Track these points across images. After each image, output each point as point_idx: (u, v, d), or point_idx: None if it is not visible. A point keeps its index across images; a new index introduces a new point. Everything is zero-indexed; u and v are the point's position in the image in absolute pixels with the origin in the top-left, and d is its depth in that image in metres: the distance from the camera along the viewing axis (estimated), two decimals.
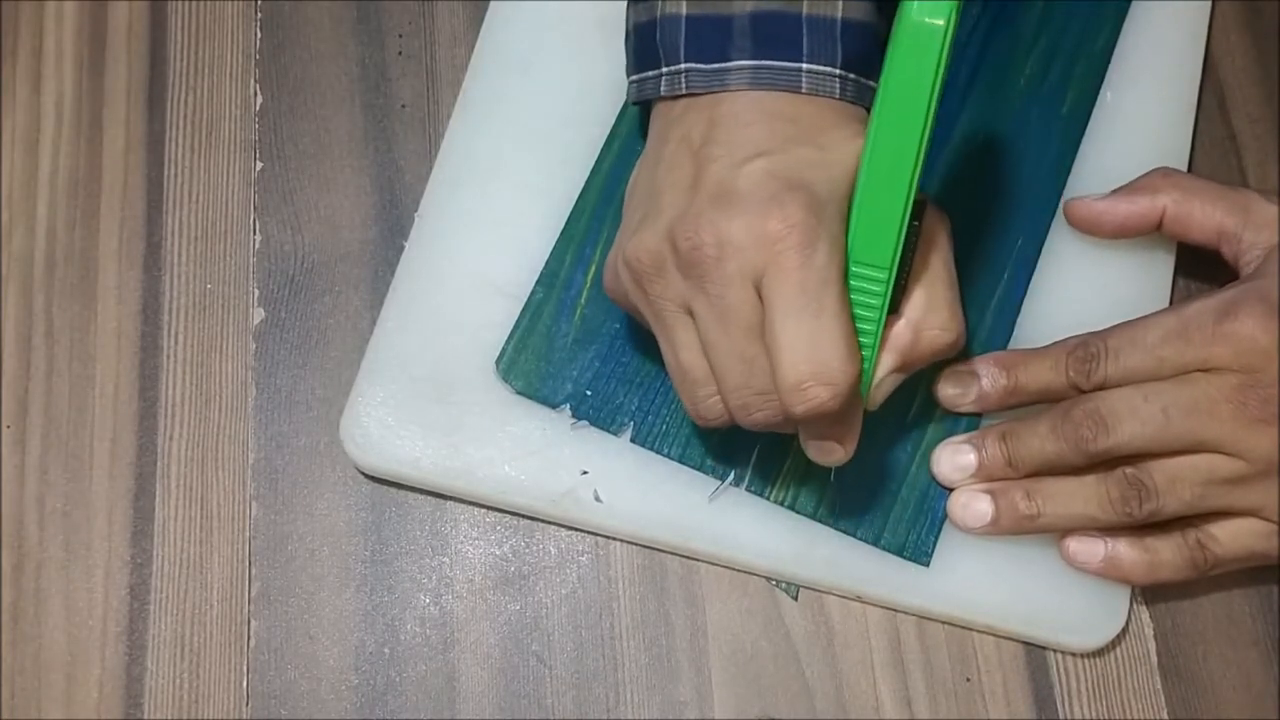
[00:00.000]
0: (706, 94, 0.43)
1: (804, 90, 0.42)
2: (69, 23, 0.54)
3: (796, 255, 0.39)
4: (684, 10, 0.44)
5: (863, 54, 0.43)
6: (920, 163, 0.40)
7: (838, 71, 0.43)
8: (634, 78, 0.46)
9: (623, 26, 0.47)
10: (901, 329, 0.43)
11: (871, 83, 0.44)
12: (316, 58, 0.54)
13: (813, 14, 0.43)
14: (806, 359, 0.39)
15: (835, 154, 0.41)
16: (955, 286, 0.44)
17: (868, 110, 0.43)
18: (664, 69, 0.44)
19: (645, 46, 0.45)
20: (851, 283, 0.41)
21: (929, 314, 0.43)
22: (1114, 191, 0.50)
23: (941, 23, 0.38)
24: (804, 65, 0.42)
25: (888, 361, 0.43)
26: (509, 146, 0.52)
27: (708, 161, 0.42)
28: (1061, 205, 0.51)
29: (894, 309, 0.43)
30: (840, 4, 0.43)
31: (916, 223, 0.42)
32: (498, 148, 0.51)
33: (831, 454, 0.44)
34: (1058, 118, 0.53)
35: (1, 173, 0.52)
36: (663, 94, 0.44)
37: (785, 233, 0.39)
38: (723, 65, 0.43)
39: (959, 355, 0.48)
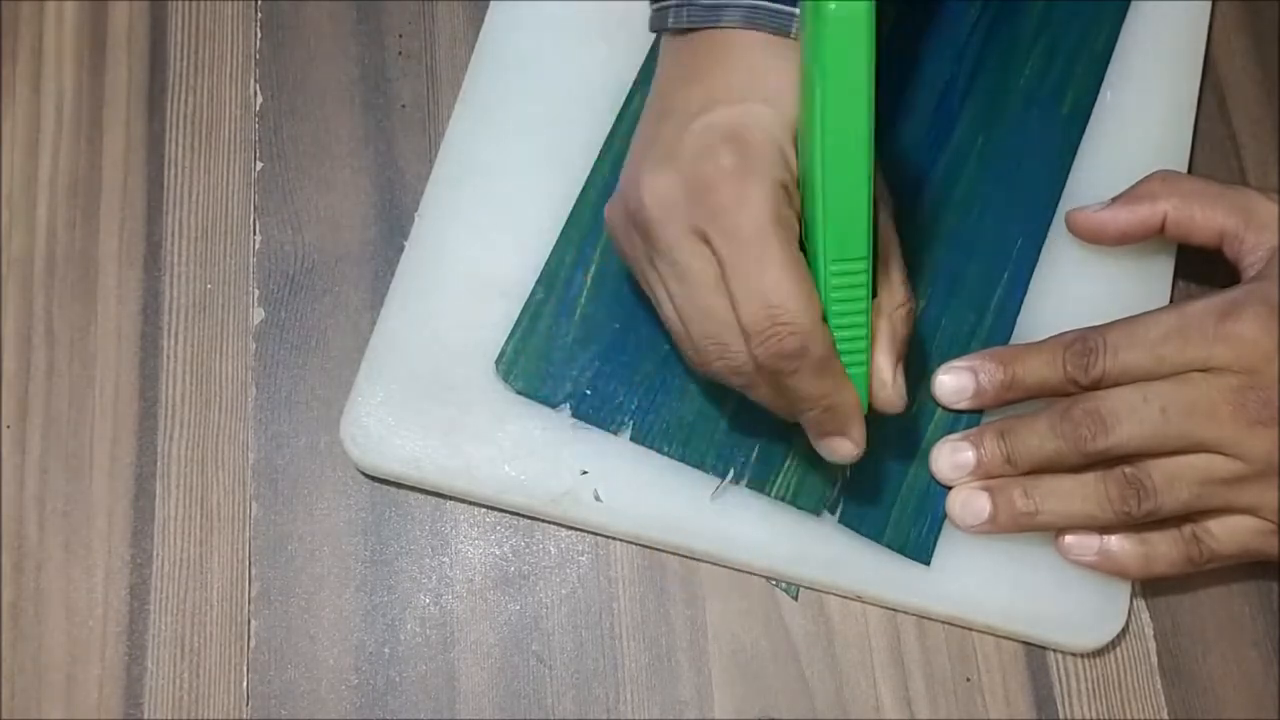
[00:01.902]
0: (705, 29, 0.43)
1: (792, 35, 0.42)
2: (69, 23, 0.54)
3: (729, 205, 0.40)
4: None
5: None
6: (872, 153, 0.39)
7: None
8: (653, 6, 0.46)
9: (623, 25, 0.47)
10: (880, 324, 0.43)
11: None
12: (316, 58, 0.54)
13: None
14: (761, 305, 0.40)
15: (783, 112, 0.41)
16: (896, 252, 0.44)
17: None
18: (673, 1, 0.44)
19: None
20: (833, 281, 0.41)
21: (887, 296, 0.43)
22: (1114, 200, 0.50)
23: (862, 8, 0.37)
24: (797, 10, 0.42)
25: (886, 359, 0.43)
26: (509, 146, 0.52)
27: (665, 117, 0.43)
28: (1063, 215, 0.51)
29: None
30: None
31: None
32: (498, 148, 0.51)
33: (840, 449, 0.43)
34: (1058, 118, 0.53)
35: (1, 173, 0.52)
36: (670, 25, 0.44)
37: (715, 184, 0.40)
38: (720, 1, 0.42)
39: (957, 353, 0.49)
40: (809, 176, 0.41)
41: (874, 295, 0.42)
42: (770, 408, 0.44)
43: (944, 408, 0.48)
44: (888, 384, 0.43)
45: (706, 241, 0.41)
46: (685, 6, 0.43)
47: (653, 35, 0.52)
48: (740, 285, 0.40)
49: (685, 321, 0.42)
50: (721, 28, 0.43)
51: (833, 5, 0.37)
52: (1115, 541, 0.46)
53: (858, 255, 0.41)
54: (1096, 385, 0.45)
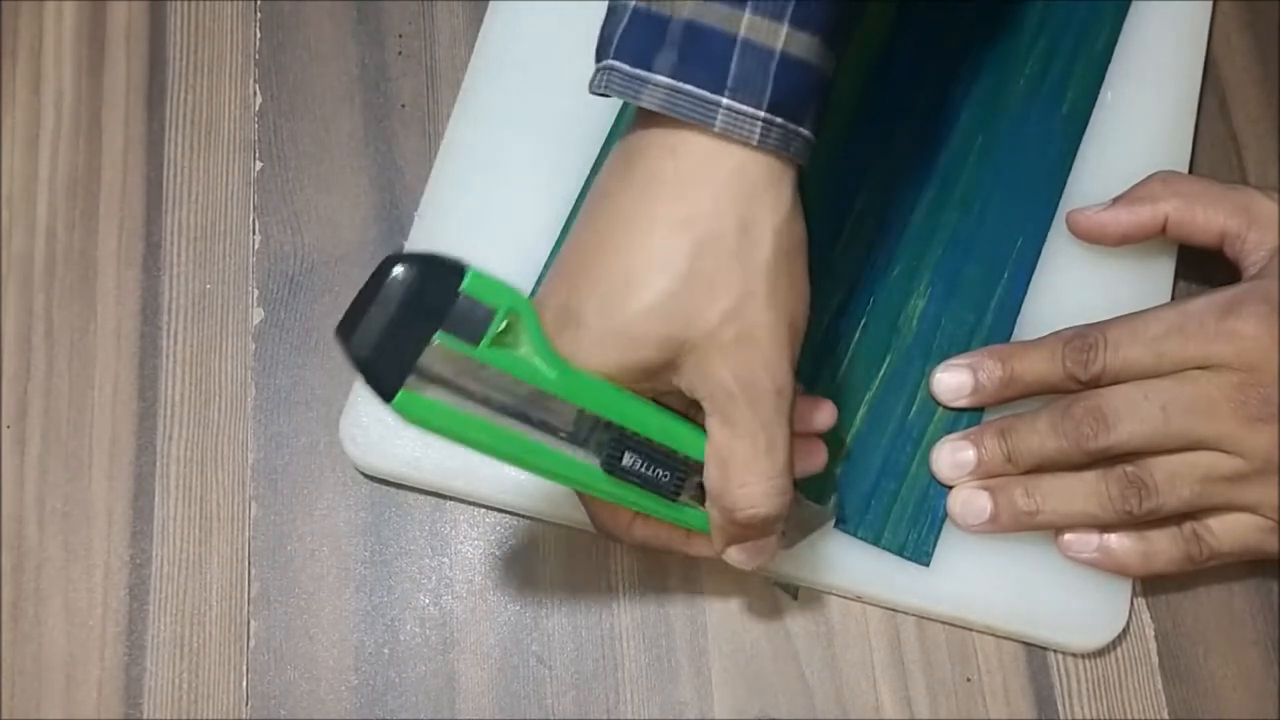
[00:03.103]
0: (640, 130, 0.40)
1: (716, 129, 0.37)
2: (68, 22, 0.54)
3: None
4: (633, 1, 0.39)
5: (798, 97, 0.38)
6: (547, 459, 0.39)
7: (762, 114, 0.37)
8: (597, 64, 0.41)
9: None
10: (710, 510, 0.41)
11: (803, 130, 0.39)
12: (316, 58, 0.54)
13: (750, 38, 0.37)
14: None
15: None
16: (759, 457, 0.39)
17: (791, 161, 0.39)
18: (601, 62, 0.40)
19: (601, 33, 0.40)
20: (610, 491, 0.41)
21: (726, 495, 0.40)
22: (1114, 200, 0.50)
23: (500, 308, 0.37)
24: (724, 100, 0.37)
25: (720, 539, 0.42)
26: (509, 147, 0.52)
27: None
28: (1063, 215, 0.51)
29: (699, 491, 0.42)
30: (784, 33, 0.37)
31: (629, 463, 0.40)
32: (498, 148, 0.51)
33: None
34: (1058, 117, 0.53)
35: (1, 173, 0.52)
36: (593, 89, 0.40)
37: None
38: (644, 74, 0.38)
39: (957, 352, 0.49)
40: None
41: (705, 493, 0.41)
42: None
43: (944, 406, 0.48)
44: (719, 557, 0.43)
45: None
46: (608, 70, 0.39)
47: None
48: None
49: None
50: (642, 105, 0.38)
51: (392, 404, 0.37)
52: (1115, 539, 0.46)
53: (601, 490, 0.41)
54: (1096, 381, 0.45)
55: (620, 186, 0.40)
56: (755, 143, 0.38)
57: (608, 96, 0.39)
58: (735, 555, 0.42)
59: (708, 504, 0.41)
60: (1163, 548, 0.46)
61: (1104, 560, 0.47)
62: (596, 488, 0.40)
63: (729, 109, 0.37)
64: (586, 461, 0.40)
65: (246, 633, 0.47)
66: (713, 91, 0.37)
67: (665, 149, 0.39)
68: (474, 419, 0.38)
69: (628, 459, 0.40)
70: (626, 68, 0.38)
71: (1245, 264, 0.47)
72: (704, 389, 0.39)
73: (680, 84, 0.37)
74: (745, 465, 0.39)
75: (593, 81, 0.40)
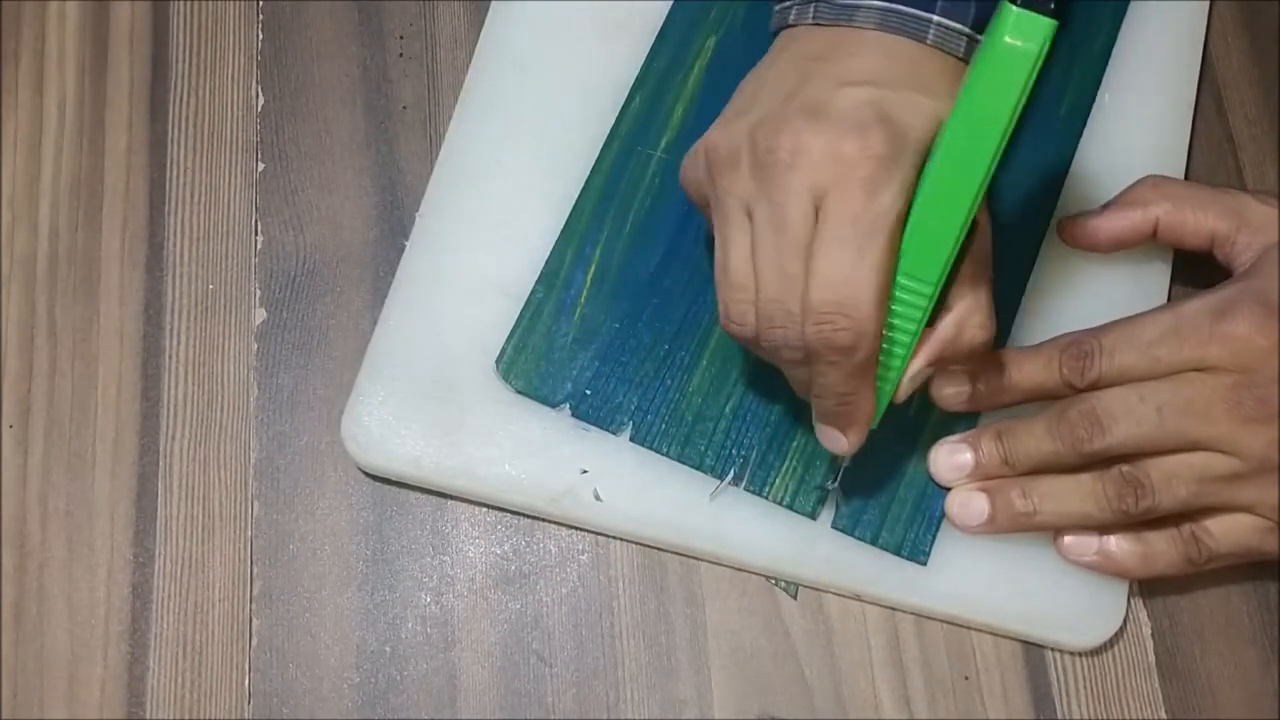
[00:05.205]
0: (831, 25, 0.44)
1: (929, 41, 0.43)
2: (71, 24, 0.54)
3: (861, 187, 0.39)
4: None
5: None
6: (984, 189, 0.39)
7: (966, 30, 0.43)
8: (778, 6, 0.46)
9: (622, 27, 0.46)
10: (947, 324, 0.43)
11: None
12: (318, 59, 0.54)
13: None
14: (837, 288, 0.40)
15: (943, 107, 0.41)
16: (991, 287, 0.44)
17: None
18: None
19: None
20: (896, 292, 0.41)
21: (973, 313, 0.43)
22: (1105, 206, 0.50)
23: (1034, 47, 0.37)
24: (934, 17, 0.43)
25: (929, 351, 0.43)
26: (509, 147, 0.52)
27: (814, 75, 0.42)
28: (1055, 224, 0.51)
29: (931, 319, 0.42)
30: None
31: (966, 239, 0.41)
32: (498, 148, 0.52)
33: (834, 443, 0.44)
34: (1055, 119, 0.53)
35: (4, 174, 0.52)
36: (791, 21, 0.45)
37: (859, 161, 0.40)
38: (853, 1, 0.43)
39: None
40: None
41: (950, 308, 0.43)
42: (790, 379, 0.44)
43: (943, 410, 0.48)
44: (907, 375, 0.43)
45: (818, 207, 0.40)
46: (813, 4, 0.44)
47: (651, 36, 0.53)
48: (826, 262, 0.40)
49: (759, 275, 0.42)
50: (854, 27, 0.43)
51: (1006, 26, 0.37)
52: (1114, 542, 0.46)
53: (926, 280, 0.41)
54: (1093, 389, 0.45)
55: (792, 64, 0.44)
56: (961, 54, 0.43)
57: (793, 27, 0.45)
58: (918, 379, 0.44)
59: (944, 321, 0.43)
60: (1162, 550, 0.46)
61: (1104, 563, 0.47)
62: (944, 250, 0.40)
63: (939, 25, 0.43)
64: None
65: (249, 631, 0.47)
66: (925, 10, 0.43)
67: (887, 41, 0.43)
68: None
69: (965, 243, 0.41)
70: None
71: (1235, 266, 0.47)
72: None
73: (894, 5, 0.43)
74: (988, 293, 0.43)
75: (786, 14, 0.45)
